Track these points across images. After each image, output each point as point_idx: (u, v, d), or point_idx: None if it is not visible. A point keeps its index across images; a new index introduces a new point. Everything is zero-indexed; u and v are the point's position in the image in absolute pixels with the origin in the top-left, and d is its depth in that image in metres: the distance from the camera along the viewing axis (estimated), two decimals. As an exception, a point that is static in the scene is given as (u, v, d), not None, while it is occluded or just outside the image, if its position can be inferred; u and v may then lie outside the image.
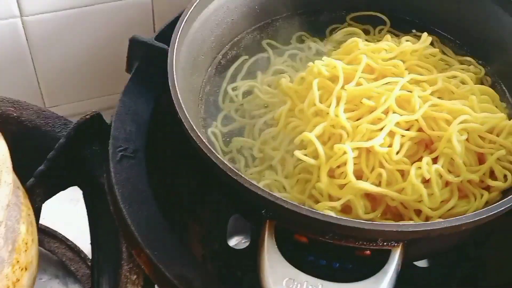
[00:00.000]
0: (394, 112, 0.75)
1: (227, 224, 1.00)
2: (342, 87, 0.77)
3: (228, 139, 0.83)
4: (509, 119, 0.81)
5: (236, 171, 0.66)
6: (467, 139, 0.74)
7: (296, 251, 0.66)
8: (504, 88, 0.88)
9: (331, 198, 0.73)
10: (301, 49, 0.94)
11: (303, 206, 0.63)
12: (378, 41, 0.88)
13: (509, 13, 0.86)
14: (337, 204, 0.72)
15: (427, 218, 0.71)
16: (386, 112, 0.75)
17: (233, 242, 1.06)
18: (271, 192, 0.64)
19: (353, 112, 0.76)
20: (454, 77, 0.82)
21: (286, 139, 0.80)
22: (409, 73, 0.80)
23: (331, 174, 0.74)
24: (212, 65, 0.90)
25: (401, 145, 0.74)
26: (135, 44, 0.87)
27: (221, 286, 0.69)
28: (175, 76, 0.74)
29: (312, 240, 0.66)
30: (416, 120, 0.74)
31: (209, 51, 0.88)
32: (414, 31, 0.94)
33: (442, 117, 0.74)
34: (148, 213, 0.74)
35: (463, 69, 0.87)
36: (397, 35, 0.93)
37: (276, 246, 0.65)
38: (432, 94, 0.79)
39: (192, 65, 0.83)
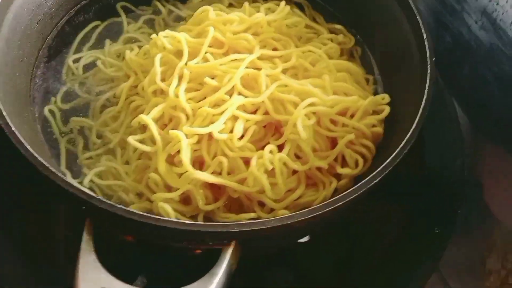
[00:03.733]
0: (239, 93, 0.68)
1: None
2: (186, 64, 0.70)
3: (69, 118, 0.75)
4: (374, 95, 0.76)
5: (42, 162, 0.58)
6: (318, 123, 0.69)
7: (119, 254, 0.60)
8: (372, 60, 0.82)
9: (169, 188, 0.67)
10: (160, 13, 0.85)
11: (118, 206, 0.57)
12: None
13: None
14: (175, 195, 0.65)
15: (271, 210, 0.66)
16: (231, 93, 0.68)
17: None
18: (79, 187, 0.58)
19: (197, 91, 0.69)
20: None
21: (128, 119, 0.72)
22: (264, 47, 0.74)
23: (171, 161, 0.67)
24: (53, 32, 0.80)
25: (246, 130, 0.67)
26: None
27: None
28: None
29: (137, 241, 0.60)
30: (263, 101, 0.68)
31: (47, 17, 0.78)
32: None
33: (290, 100, 0.68)
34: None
35: (331, 39, 0.81)
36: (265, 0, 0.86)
37: (93, 249, 0.58)
38: (286, 71, 0.72)
39: (22, 35, 0.73)
